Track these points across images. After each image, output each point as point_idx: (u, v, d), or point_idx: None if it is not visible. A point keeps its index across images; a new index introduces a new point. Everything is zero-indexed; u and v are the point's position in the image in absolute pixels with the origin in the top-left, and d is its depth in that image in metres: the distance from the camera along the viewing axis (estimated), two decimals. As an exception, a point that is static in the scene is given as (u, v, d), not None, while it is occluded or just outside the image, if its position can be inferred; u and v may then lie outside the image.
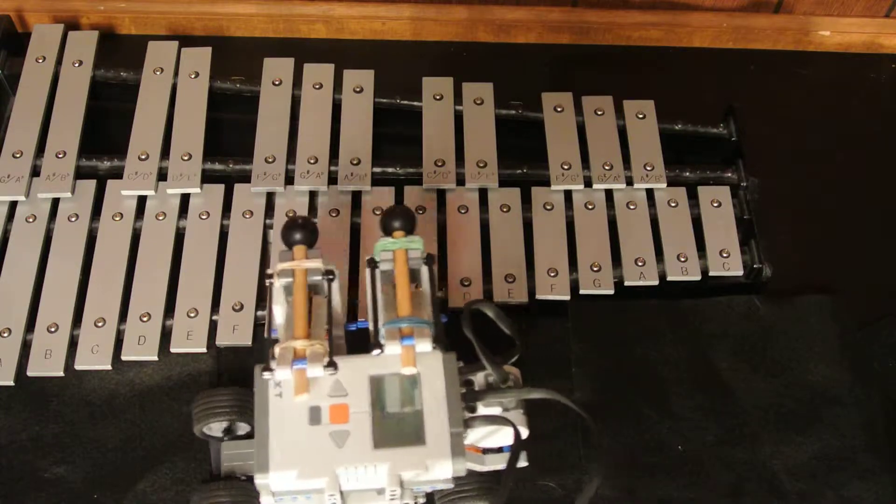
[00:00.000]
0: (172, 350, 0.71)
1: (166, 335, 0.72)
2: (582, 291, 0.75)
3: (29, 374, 0.70)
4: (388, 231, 0.64)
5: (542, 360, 0.74)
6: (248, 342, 0.72)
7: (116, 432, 0.71)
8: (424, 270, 0.62)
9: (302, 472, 0.55)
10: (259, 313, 0.73)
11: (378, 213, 0.77)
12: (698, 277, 0.76)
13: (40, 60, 0.83)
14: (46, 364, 0.70)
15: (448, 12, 0.91)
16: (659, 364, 0.74)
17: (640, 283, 0.76)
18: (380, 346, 0.59)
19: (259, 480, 0.55)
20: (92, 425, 0.71)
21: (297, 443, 0.56)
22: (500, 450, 0.62)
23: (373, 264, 0.63)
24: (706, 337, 0.75)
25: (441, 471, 0.56)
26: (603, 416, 0.71)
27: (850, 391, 0.73)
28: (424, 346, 0.58)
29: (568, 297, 0.75)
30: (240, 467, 0.65)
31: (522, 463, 0.61)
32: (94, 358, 0.70)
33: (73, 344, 0.71)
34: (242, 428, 0.67)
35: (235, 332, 0.72)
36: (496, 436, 0.61)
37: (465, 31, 0.92)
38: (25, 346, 0.71)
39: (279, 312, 0.60)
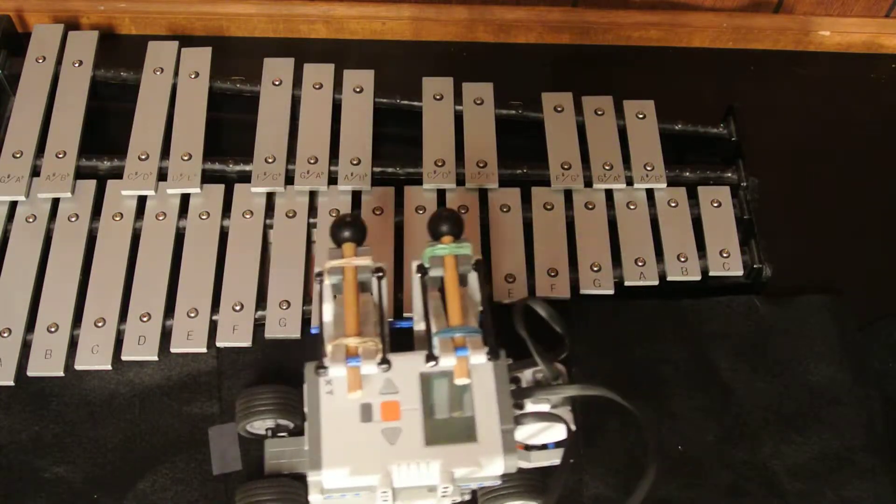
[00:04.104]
0: (172, 350, 0.71)
1: (166, 335, 0.72)
2: (582, 291, 0.75)
3: (29, 374, 0.70)
4: (436, 236, 0.62)
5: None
6: (248, 342, 0.72)
7: (116, 432, 0.70)
8: (472, 276, 0.61)
9: (355, 468, 0.55)
10: (259, 313, 0.73)
11: (378, 212, 0.77)
12: (698, 277, 0.76)
13: (40, 60, 0.83)
14: (46, 364, 0.70)
15: (448, 12, 0.91)
16: (659, 364, 0.74)
17: (640, 283, 0.76)
18: (434, 359, 0.58)
19: (312, 477, 0.56)
20: (92, 425, 0.71)
21: (350, 440, 0.56)
22: (543, 447, 0.62)
23: (422, 270, 0.62)
24: (706, 337, 0.75)
25: (493, 467, 0.56)
26: (603, 416, 0.71)
27: (850, 391, 0.73)
28: (479, 357, 0.57)
29: (568, 297, 0.75)
30: (285, 465, 0.65)
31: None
32: (94, 358, 0.70)
33: (73, 344, 0.71)
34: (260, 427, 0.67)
35: (235, 332, 0.72)
36: (542, 432, 0.60)
37: (465, 31, 0.92)
38: (25, 346, 0.71)
39: (328, 310, 0.60)
